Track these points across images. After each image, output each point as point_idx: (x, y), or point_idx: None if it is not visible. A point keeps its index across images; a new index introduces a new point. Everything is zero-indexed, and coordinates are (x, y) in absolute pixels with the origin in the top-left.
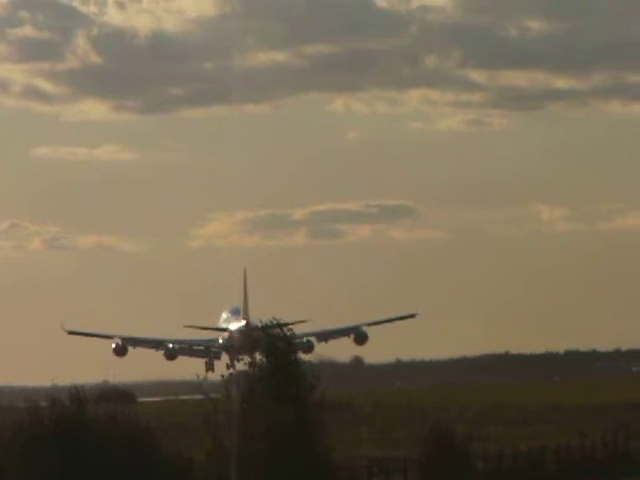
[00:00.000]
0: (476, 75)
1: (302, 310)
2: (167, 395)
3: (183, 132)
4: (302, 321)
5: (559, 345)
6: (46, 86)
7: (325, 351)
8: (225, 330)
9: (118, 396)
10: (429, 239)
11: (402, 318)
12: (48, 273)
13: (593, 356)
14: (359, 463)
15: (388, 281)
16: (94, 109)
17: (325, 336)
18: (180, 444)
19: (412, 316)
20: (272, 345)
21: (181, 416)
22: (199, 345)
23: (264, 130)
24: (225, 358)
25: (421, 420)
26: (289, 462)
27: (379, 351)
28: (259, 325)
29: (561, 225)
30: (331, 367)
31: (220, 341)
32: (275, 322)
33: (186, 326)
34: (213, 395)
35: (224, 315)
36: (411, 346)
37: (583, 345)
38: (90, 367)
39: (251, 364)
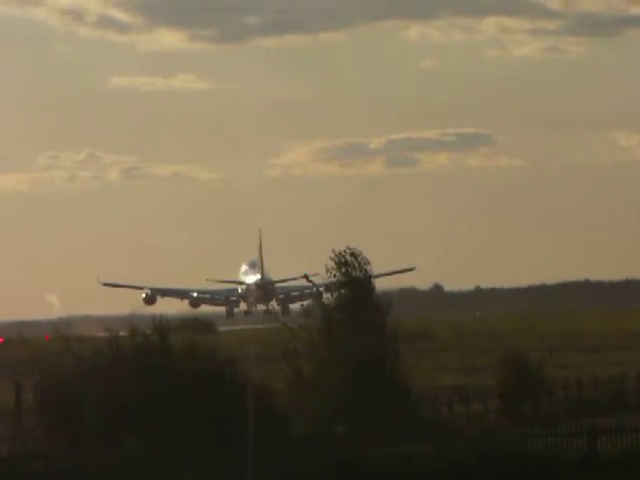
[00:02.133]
0: (552, 2)
1: (377, 238)
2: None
3: (258, 61)
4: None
5: (638, 272)
6: (121, 16)
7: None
8: (242, 283)
9: (198, 326)
10: (506, 167)
11: (401, 272)
12: (125, 203)
13: None
14: (439, 392)
15: (466, 210)
16: (169, 39)
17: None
18: (260, 374)
19: (411, 269)
20: (348, 274)
21: (260, 345)
22: (220, 295)
23: (339, 59)
24: (243, 306)
25: (500, 348)
26: (367, 390)
27: (459, 279)
28: (272, 279)
29: (637, 152)
30: (411, 295)
31: (239, 291)
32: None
33: (208, 279)
34: (290, 325)
35: (243, 268)
36: (491, 274)
37: None
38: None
39: (328, 291)
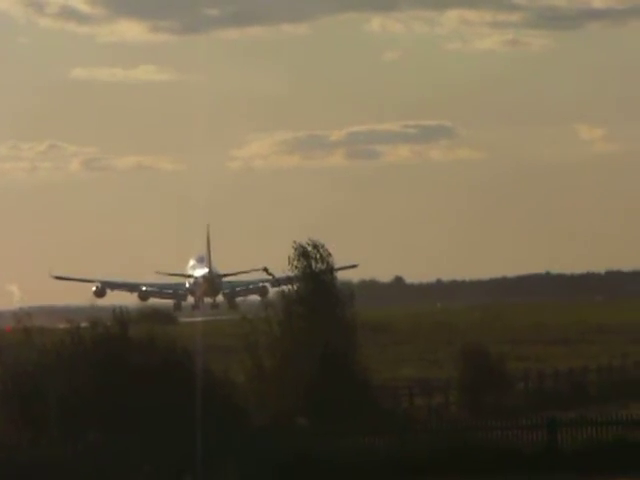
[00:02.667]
0: None
1: (339, 230)
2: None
3: (219, 53)
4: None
5: (600, 265)
6: (82, 7)
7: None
8: (190, 276)
9: (158, 317)
10: (467, 159)
11: (343, 268)
12: (87, 194)
13: (635, 276)
14: (400, 384)
15: (427, 202)
16: (130, 30)
17: (278, 282)
18: (220, 366)
19: (354, 266)
20: (308, 266)
21: (220, 337)
22: (168, 289)
23: (301, 51)
24: (190, 300)
25: (461, 340)
26: (327, 383)
27: (420, 271)
28: (219, 273)
29: (599, 145)
30: (372, 287)
31: (187, 285)
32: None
33: (157, 272)
34: (250, 316)
35: (191, 262)
36: (451, 266)
37: (625, 265)
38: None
39: (289, 283)
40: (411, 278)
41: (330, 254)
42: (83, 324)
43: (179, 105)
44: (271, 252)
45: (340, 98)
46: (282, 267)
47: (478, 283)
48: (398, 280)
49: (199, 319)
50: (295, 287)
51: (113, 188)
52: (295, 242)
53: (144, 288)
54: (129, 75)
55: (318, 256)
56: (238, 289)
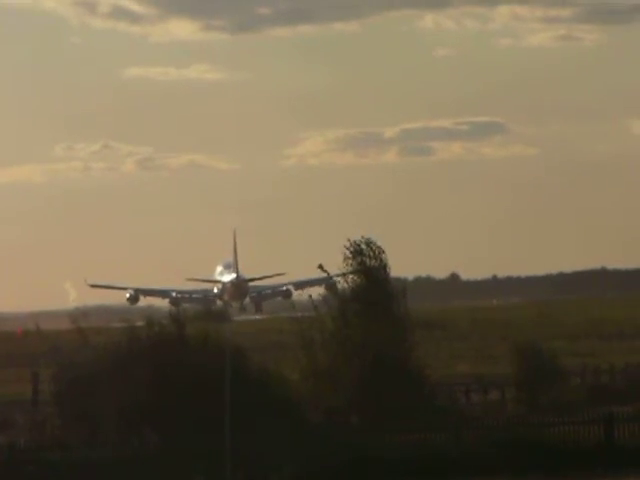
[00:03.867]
0: None
1: (393, 227)
2: None
3: (271, 51)
4: (280, 274)
5: None
6: (134, 6)
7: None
8: (219, 282)
9: (214, 316)
10: (520, 156)
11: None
12: (141, 193)
13: None
14: (456, 380)
15: (482, 198)
16: (182, 29)
17: (301, 285)
18: (275, 363)
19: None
20: (362, 263)
21: (276, 334)
22: (198, 294)
23: (353, 48)
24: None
25: (517, 336)
26: (382, 379)
27: (476, 268)
28: (246, 278)
29: None
30: (428, 284)
31: (215, 290)
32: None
33: (188, 279)
34: (306, 314)
35: (218, 268)
36: (507, 262)
37: None
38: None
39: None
40: (467, 275)
41: (383, 251)
42: (139, 323)
43: (232, 104)
44: (326, 249)
45: (393, 95)
46: (337, 264)
47: (534, 279)
48: (454, 277)
49: (253, 317)
50: (349, 284)
51: (167, 187)
52: (349, 240)
53: (174, 294)
54: (182, 74)
55: (371, 253)
56: (264, 293)
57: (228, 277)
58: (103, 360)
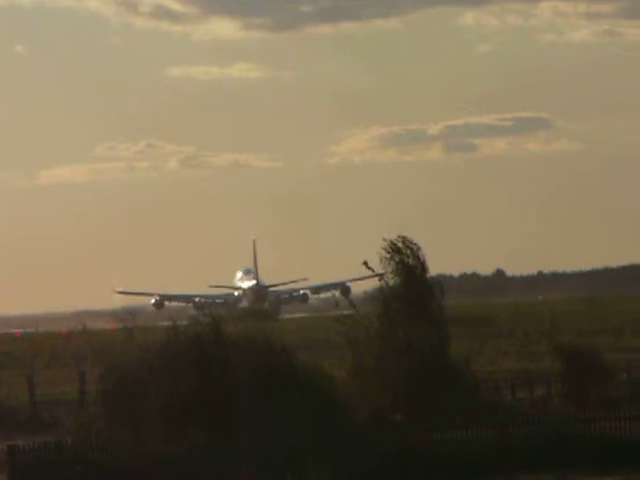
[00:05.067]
0: None
1: (437, 224)
2: None
3: (313, 49)
4: (304, 279)
5: None
6: (175, 6)
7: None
8: (239, 288)
9: (259, 315)
10: (565, 151)
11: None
12: (184, 192)
13: None
14: (501, 377)
15: (526, 194)
16: (224, 28)
17: (317, 289)
18: (320, 361)
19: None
20: (400, 262)
21: (322, 332)
22: (220, 299)
23: (395, 45)
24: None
25: (562, 332)
26: (427, 377)
27: (521, 263)
28: (265, 284)
29: None
30: (474, 280)
31: (235, 295)
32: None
33: (211, 286)
34: (350, 312)
35: (238, 275)
36: (552, 258)
37: None
38: None
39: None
40: (512, 270)
41: (419, 248)
42: (183, 322)
43: (274, 102)
44: (370, 246)
45: (435, 92)
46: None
47: (579, 274)
48: (499, 273)
49: (298, 315)
50: (390, 283)
51: (209, 186)
52: (385, 239)
53: (197, 299)
54: (224, 73)
55: (409, 251)
56: (282, 297)
57: (248, 283)
58: (148, 359)
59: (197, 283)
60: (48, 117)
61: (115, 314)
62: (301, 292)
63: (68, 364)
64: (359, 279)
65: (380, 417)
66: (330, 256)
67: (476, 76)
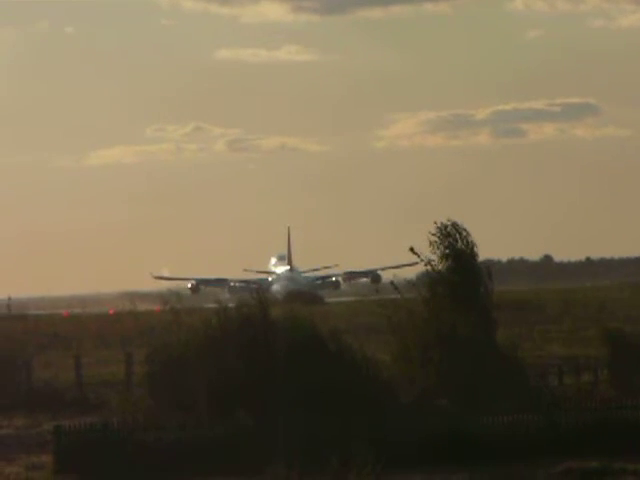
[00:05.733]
0: None
1: (485, 209)
2: None
3: (362, 32)
4: (333, 265)
5: None
6: None
7: (515, 250)
8: (273, 273)
9: (304, 298)
10: (614, 137)
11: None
12: (232, 175)
13: None
14: (549, 362)
15: (575, 180)
16: (273, 10)
17: (349, 277)
18: (366, 345)
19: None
20: (449, 246)
21: (368, 316)
22: (254, 284)
23: (443, 30)
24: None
25: (610, 318)
26: (471, 362)
27: (569, 249)
28: (298, 270)
29: None
30: (521, 266)
31: (269, 279)
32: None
33: (245, 270)
34: (395, 296)
35: (273, 260)
36: (601, 244)
37: None
38: None
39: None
40: (560, 256)
41: (469, 233)
42: (230, 304)
43: (323, 85)
44: (419, 230)
45: (484, 77)
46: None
47: (627, 261)
48: (547, 258)
49: (345, 299)
50: (439, 267)
51: (259, 168)
52: (435, 223)
53: (232, 284)
54: (273, 56)
55: (459, 236)
56: (314, 283)
57: (282, 268)
58: (195, 340)
59: (240, 267)
60: (97, 99)
61: (161, 296)
62: (333, 278)
63: (115, 345)
64: (400, 266)
65: (425, 401)
66: (376, 241)
67: (525, 61)
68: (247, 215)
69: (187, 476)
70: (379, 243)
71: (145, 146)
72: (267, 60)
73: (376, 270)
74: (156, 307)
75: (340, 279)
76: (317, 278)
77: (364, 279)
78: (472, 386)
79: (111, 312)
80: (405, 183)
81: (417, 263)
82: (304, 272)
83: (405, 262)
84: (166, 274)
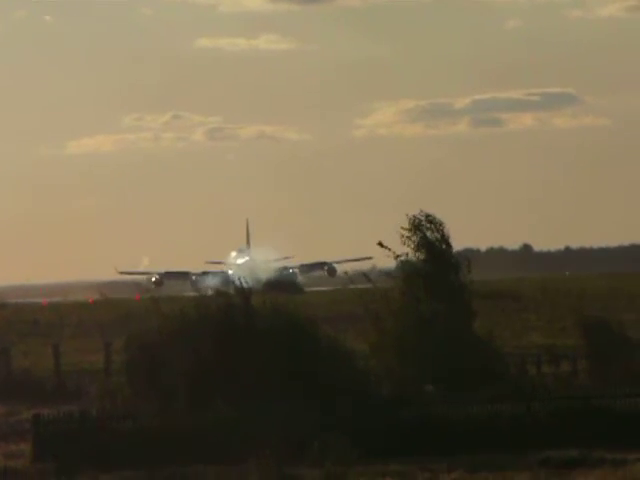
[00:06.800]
0: None
1: (464, 198)
2: None
3: (341, 21)
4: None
5: None
6: None
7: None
8: (233, 264)
9: (285, 286)
10: (592, 126)
11: (357, 260)
12: (210, 164)
13: None
14: (527, 352)
15: (553, 169)
16: (251, 0)
17: (305, 269)
18: (343, 333)
19: (369, 258)
20: (423, 237)
21: (348, 305)
22: (215, 277)
23: (423, 19)
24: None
25: (588, 308)
26: (448, 351)
27: (548, 239)
28: (257, 261)
29: None
30: (500, 255)
31: (230, 272)
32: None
33: (207, 262)
34: (373, 287)
35: (233, 254)
36: (580, 233)
37: None
38: None
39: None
40: (539, 246)
41: (442, 223)
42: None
43: (302, 74)
44: (396, 220)
45: (463, 66)
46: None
47: (606, 250)
48: (526, 248)
49: (324, 288)
50: (413, 258)
51: (238, 157)
52: (407, 215)
53: (194, 277)
54: (251, 45)
55: (432, 226)
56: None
57: (242, 260)
58: (172, 328)
59: (220, 256)
60: (75, 88)
61: (139, 284)
62: (290, 270)
63: (94, 333)
64: (359, 259)
65: (403, 389)
66: (354, 230)
67: (504, 51)
68: (222, 205)
69: (166, 465)
70: (357, 232)
71: (123, 135)
72: (246, 49)
73: (331, 263)
74: (136, 295)
75: (297, 271)
76: (277, 269)
77: (319, 272)
78: (450, 375)
79: (91, 301)
80: (384, 172)
81: (371, 258)
82: (264, 263)
83: (366, 255)
84: (146, 263)
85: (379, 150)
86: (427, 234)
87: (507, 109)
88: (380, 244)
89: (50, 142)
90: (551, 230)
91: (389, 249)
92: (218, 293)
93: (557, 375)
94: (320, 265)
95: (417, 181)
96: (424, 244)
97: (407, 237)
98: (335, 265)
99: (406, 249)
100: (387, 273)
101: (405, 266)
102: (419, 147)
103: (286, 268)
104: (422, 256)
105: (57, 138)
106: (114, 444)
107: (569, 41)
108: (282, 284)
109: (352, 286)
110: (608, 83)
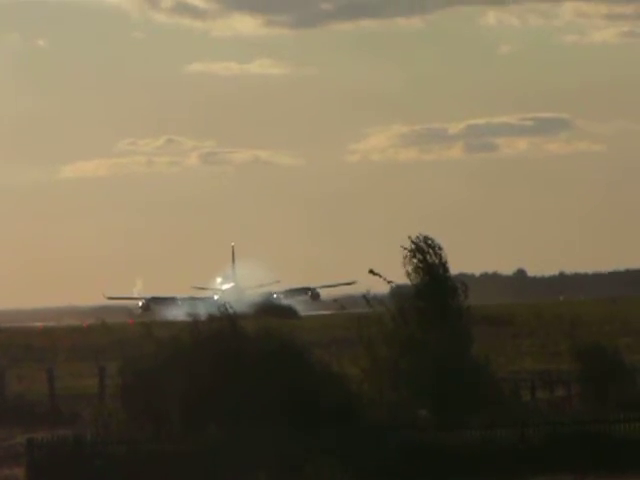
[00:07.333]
0: None
1: (459, 223)
2: None
3: (334, 46)
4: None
5: None
6: (196, 1)
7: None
8: (219, 290)
9: (280, 311)
10: (586, 152)
11: (343, 284)
12: (204, 188)
13: None
14: (521, 377)
15: (547, 195)
16: (244, 24)
17: (288, 294)
18: (337, 358)
19: (352, 283)
20: (422, 261)
21: (342, 330)
22: (201, 302)
23: (417, 44)
24: None
25: (583, 333)
26: (441, 376)
27: (543, 264)
28: (242, 287)
29: None
30: (495, 280)
31: (215, 297)
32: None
33: (193, 287)
34: (367, 310)
35: (218, 280)
36: (574, 259)
37: None
38: None
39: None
40: (533, 271)
41: (441, 247)
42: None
43: (295, 99)
44: (391, 245)
45: (457, 91)
46: (400, 262)
47: (601, 276)
48: (520, 273)
49: (319, 313)
50: (408, 282)
51: (231, 181)
52: (409, 237)
53: (180, 303)
54: (245, 69)
55: (431, 250)
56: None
57: (227, 286)
58: (166, 353)
59: (212, 280)
60: (69, 112)
61: (132, 310)
62: (275, 296)
63: (88, 358)
64: (337, 285)
65: (396, 413)
66: (348, 255)
67: (498, 76)
68: (221, 228)
69: None
70: (351, 256)
71: (117, 159)
72: (239, 73)
73: (314, 288)
74: (129, 320)
75: (281, 296)
76: (263, 295)
77: (303, 296)
78: (443, 401)
79: (85, 325)
80: (378, 197)
81: (354, 282)
82: (249, 289)
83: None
84: (140, 287)
85: (373, 175)
86: (427, 258)
87: (501, 134)
88: (371, 271)
89: (43, 166)
90: (545, 255)
91: (380, 276)
92: (210, 318)
93: (551, 401)
94: (304, 290)
95: (411, 206)
96: (424, 267)
97: (409, 258)
98: (318, 290)
99: (402, 271)
100: (378, 298)
101: (397, 292)
102: (413, 172)
103: (271, 294)
104: (420, 279)
105: (50, 162)
106: (108, 468)
107: (563, 66)
108: (278, 309)
109: (345, 311)
110: (602, 108)
